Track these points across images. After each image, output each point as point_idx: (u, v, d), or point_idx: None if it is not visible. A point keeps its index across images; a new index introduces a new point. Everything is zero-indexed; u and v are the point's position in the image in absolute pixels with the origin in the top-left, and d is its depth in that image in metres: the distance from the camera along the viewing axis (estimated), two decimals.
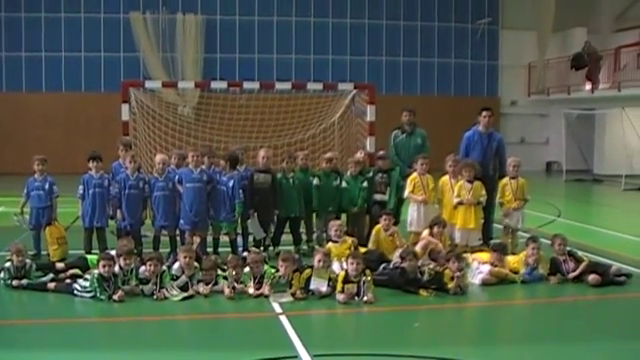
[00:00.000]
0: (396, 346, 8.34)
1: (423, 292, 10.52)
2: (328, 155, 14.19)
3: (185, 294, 10.25)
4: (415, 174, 13.39)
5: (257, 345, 8.37)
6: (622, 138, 28.88)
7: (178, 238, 12.88)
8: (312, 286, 10.30)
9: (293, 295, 10.21)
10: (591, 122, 34.09)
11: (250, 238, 13.28)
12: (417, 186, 13.31)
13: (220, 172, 12.93)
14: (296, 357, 7.75)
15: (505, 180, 13.46)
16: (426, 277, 10.69)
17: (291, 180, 13.50)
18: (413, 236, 13.07)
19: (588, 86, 32.44)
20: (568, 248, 11.90)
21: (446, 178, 13.33)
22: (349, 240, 12.29)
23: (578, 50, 32.94)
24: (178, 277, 10.55)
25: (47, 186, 12.98)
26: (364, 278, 10.16)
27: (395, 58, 35.66)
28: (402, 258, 11.06)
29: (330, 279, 10.34)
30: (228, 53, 33.96)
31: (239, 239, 13.21)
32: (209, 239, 13.03)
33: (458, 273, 10.72)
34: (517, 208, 13.37)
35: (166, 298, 10.16)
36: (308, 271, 10.48)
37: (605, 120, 33.18)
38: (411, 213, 13.35)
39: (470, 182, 13.02)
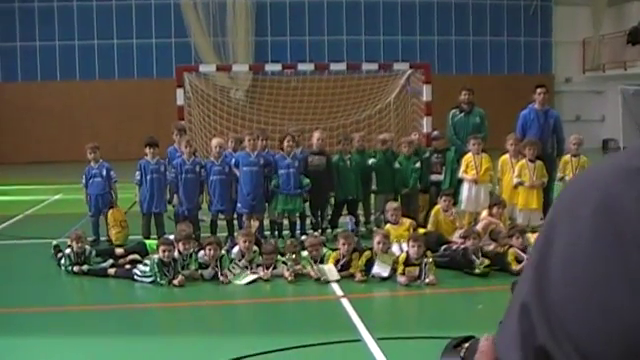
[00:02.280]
0: (460, 329, 8.12)
1: (478, 268, 10.33)
2: (382, 136, 14.06)
3: (249, 278, 10.18)
4: (469, 154, 13.20)
5: (319, 329, 8.30)
6: None
7: (235, 222, 12.85)
8: (374, 270, 10.17)
9: (352, 276, 10.12)
10: None
11: (307, 221, 13.20)
12: (470, 166, 13.12)
13: (277, 155, 12.87)
14: (359, 340, 7.65)
15: (567, 157, 13.18)
16: (477, 262, 10.43)
17: (348, 162, 13.37)
18: (468, 216, 12.90)
19: None
20: None
21: (506, 157, 13.12)
22: (407, 222, 12.17)
23: (635, 24, 32.14)
24: (237, 261, 10.52)
25: (104, 172, 13.05)
26: (425, 260, 10.03)
27: (447, 37, 35.28)
28: (464, 237, 10.89)
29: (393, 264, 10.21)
30: (279, 36, 33.89)
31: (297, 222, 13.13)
32: (266, 222, 12.98)
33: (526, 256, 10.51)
34: None
35: (229, 282, 10.11)
36: (368, 253, 10.38)
37: None
38: (463, 192, 13.18)
39: (532, 161, 12.79)
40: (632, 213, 0.86)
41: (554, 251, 0.92)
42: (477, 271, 10.31)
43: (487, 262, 10.42)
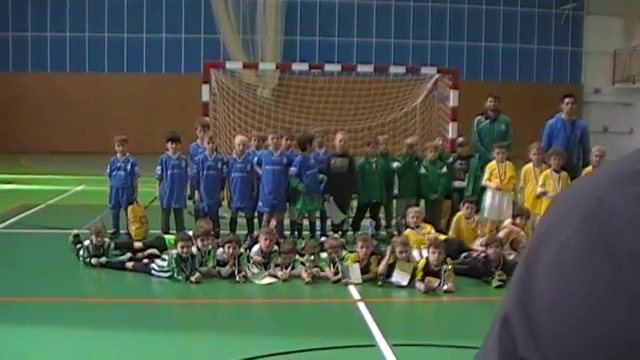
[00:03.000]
0: (476, 339, 8.04)
1: (494, 282, 10.19)
2: (410, 140, 13.95)
3: (267, 280, 10.12)
4: (493, 161, 13.07)
5: (334, 331, 8.23)
6: None
7: (255, 220, 12.81)
8: (394, 278, 10.08)
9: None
10: None
11: (328, 222, 13.13)
12: (494, 174, 12.99)
13: (299, 155, 12.80)
14: (374, 346, 7.57)
15: (589, 169, 12.97)
16: (499, 275, 10.27)
17: (374, 165, 13.28)
18: (490, 224, 12.77)
19: None
20: None
21: (529, 166, 12.95)
22: (428, 227, 12.08)
23: None
24: (254, 261, 10.48)
25: (129, 167, 13.05)
26: (445, 267, 9.93)
27: (476, 43, 35.17)
28: (487, 245, 10.77)
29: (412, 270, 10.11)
30: (308, 35, 33.91)
31: (317, 223, 13.06)
32: (286, 222, 12.93)
33: None
34: None
35: (246, 279, 10.06)
36: (391, 257, 10.26)
37: None
38: (486, 200, 13.05)
39: (557, 172, 12.65)
40: (625, 220, 0.79)
41: (541, 261, 0.85)
42: (493, 284, 10.18)
43: (504, 276, 10.26)
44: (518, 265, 0.89)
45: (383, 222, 13.66)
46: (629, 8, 34.29)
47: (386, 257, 10.22)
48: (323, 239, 11.76)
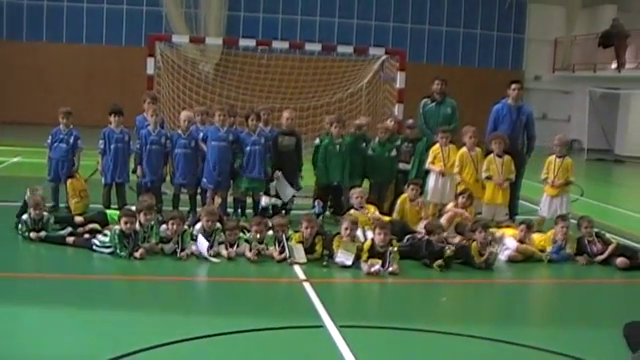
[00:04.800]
0: (422, 320, 8.13)
1: (436, 265, 10.23)
2: (358, 121, 13.88)
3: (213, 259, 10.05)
4: (437, 145, 13.08)
5: (280, 312, 8.17)
6: None
7: (198, 197, 12.65)
8: (338, 259, 10.07)
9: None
10: (615, 102, 33.66)
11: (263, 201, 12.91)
12: (437, 157, 13.01)
13: (244, 132, 12.63)
14: (321, 327, 7.53)
15: (551, 158, 12.98)
16: (448, 252, 10.35)
17: (337, 146, 13.12)
18: (433, 207, 12.81)
19: (614, 65, 31.88)
20: (595, 230, 11.64)
21: (464, 150, 12.95)
22: (371, 208, 12.07)
23: (607, 27, 32.33)
24: (197, 237, 10.34)
25: (72, 140, 12.73)
26: (390, 249, 9.93)
27: (420, 26, 35.23)
28: (429, 232, 10.80)
29: (358, 250, 10.10)
30: (252, 12, 33.56)
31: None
32: (230, 200, 12.79)
33: (492, 249, 10.45)
34: (555, 196, 12.88)
35: (188, 257, 9.97)
36: (337, 241, 10.24)
37: (630, 100, 32.78)
38: (429, 183, 13.07)
39: (499, 156, 12.71)
40: None
41: None
42: (436, 267, 10.21)
43: (452, 248, 10.37)
44: None
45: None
46: None
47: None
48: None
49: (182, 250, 10.00)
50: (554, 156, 12.89)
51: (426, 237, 10.83)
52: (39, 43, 32.43)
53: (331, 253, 10.16)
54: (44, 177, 13.00)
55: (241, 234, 10.56)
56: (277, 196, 12.82)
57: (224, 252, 10.14)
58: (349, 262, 9.98)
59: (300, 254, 10.08)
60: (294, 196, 12.98)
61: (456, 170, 12.77)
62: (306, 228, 10.32)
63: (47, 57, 32.07)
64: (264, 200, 12.46)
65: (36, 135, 13.22)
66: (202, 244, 10.15)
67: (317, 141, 13.30)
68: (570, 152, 13.45)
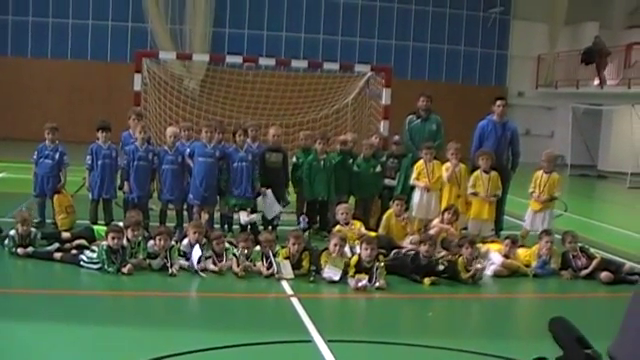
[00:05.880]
0: (410, 335, 8.18)
1: (426, 281, 10.30)
2: (343, 137, 13.97)
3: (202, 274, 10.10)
4: (421, 161, 13.16)
5: (268, 327, 8.21)
6: (629, 135, 28.65)
7: (185, 213, 12.67)
8: (325, 274, 10.12)
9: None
10: (598, 118, 33.87)
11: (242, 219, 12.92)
12: (422, 173, 13.09)
13: (232, 148, 12.67)
14: (310, 341, 7.57)
15: (538, 173, 13.10)
16: (440, 267, 10.50)
17: (321, 162, 13.21)
18: (418, 222, 12.88)
19: (597, 81, 32.13)
20: (580, 244, 11.74)
21: (448, 165, 13.04)
22: (357, 224, 12.14)
23: (589, 44, 32.58)
24: (186, 253, 10.36)
25: (57, 156, 12.72)
26: (377, 264, 9.99)
27: (405, 42, 35.38)
28: (420, 242, 10.83)
29: (345, 266, 10.15)
30: (237, 28, 33.64)
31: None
32: (216, 215, 12.82)
33: (478, 265, 10.54)
34: (539, 210, 13.03)
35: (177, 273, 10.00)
36: (324, 256, 10.30)
37: (612, 116, 32.98)
38: (414, 199, 13.14)
39: (486, 172, 12.81)
40: None
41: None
42: (426, 283, 10.28)
43: (445, 264, 10.51)
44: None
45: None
46: (554, 15, 34.96)
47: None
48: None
49: (171, 266, 10.02)
50: (541, 171, 13.03)
51: (412, 251, 10.90)
52: (24, 59, 32.34)
53: (318, 269, 10.21)
54: (30, 193, 12.99)
55: (228, 245, 10.59)
56: (257, 211, 12.83)
57: (211, 267, 10.17)
58: (337, 277, 10.03)
59: (287, 270, 10.13)
60: (281, 212, 13.02)
61: (470, 191, 12.83)
62: (293, 244, 10.37)
63: (32, 72, 31.98)
64: (243, 218, 12.47)
65: (21, 151, 13.20)
66: (195, 253, 10.18)
67: (294, 159, 13.42)
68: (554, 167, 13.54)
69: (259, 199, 12.79)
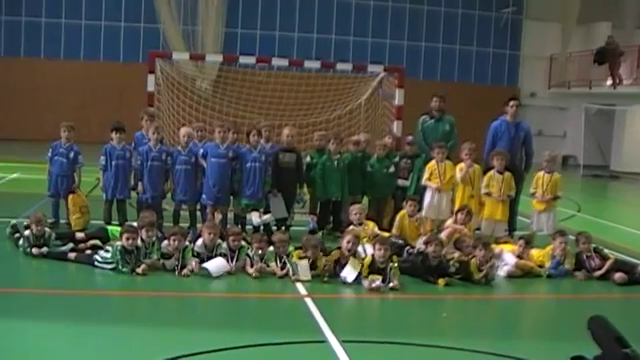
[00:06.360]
0: (424, 336, 8.17)
1: (441, 281, 10.30)
2: (356, 137, 13.98)
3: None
4: (433, 161, 13.15)
5: (283, 327, 8.21)
6: None
7: (199, 213, 12.69)
8: (342, 274, 10.10)
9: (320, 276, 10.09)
10: (610, 118, 33.80)
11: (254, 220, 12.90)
12: (434, 173, 13.06)
13: (245, 148, 12.68)
14: (324, 342, 7.57)
15: (540, 174, 13.12)
16: (452, 269, 10.49)
17: (335, 162, 13.25)
18: (430, 222, 12.86)
19: (610, 81, 32.02)
20: (593, 245, 11.71)
21: (462, 166, 13.01)
22: (370, 224, 12.14)
23: (601, 44, 32.47)
24: (200, 253, 10.38)
25: (72, 155, 12.75)
26: (391, 264, 9.99)
27: (417, 43, 35.39)
28: (427, 243, 10.83)
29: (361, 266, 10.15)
30: (249, 29, 33.69)
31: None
32: (230, 215, 12.83)
33: (488, 264, 10.52)
34: (543, 210, 13.04)
35: (189, 274, 10.00)
36: (336, 253, 10.30)
37: (625, 117, 32.90)
38: (425, 199, 13.12)
39: (500, 173, 12.79)
40: None
41: None
42: (442, 283, 10.28)
43: (457, 265, 10.52)
44: None
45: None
46: (566, 15, 34.91)
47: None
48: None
49: (182, 267, 10.03)
50: (543, 172, 13.05)
51: (423, 251, 10.88)
52: (36, 59, 32.45)
53: (332, 269, 10.19)
54: (43, 193, 13.04)
55: (244, 243, 10.61)
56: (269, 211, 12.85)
57: (228, 267, 10.20)
58: (351, 280, 10.00)
59: (304, 270, 10.10)
60: (294, 212, 13.02)
61: (484, 191, 12.82)
62: (309, 251, 10.38)
63: (44, 73, 32.07)
64: (255, 219, 12.48)
65: (34, 152, 13.23)
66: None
67: (308, 159, 13.43)
68: (557, 167, 13.52)
69: (271, 198, 12.76)
